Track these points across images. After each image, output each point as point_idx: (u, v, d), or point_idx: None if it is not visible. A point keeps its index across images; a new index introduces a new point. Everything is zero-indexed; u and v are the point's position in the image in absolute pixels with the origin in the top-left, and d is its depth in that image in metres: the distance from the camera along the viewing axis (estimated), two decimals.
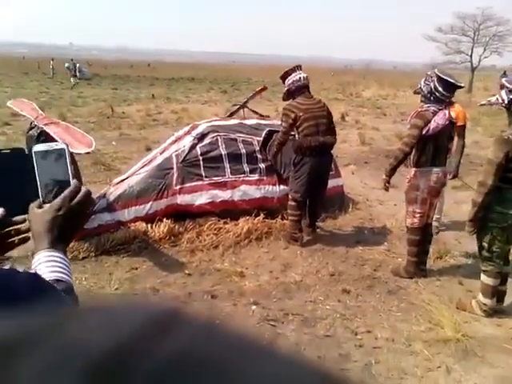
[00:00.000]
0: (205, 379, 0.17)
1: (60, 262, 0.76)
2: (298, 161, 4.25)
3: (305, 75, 4.34)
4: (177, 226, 4.41)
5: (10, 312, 0.22)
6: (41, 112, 4.81)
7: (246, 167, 4.87)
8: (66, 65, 28.66)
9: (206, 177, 4.70)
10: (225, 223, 4.52)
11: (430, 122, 3.50)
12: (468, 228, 3.20)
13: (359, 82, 35.38)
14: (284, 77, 4.40)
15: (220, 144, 4.90)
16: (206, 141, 4.89)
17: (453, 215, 5.08)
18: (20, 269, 0.64)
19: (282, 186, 4.85)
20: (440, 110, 3.53)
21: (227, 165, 4.81)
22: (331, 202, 5.00)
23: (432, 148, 3.57)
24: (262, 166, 4.93)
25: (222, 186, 4.71)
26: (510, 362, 2.76)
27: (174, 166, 4.67)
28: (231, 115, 6.46)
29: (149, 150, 7.34)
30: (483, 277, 3.23)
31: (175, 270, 3.86)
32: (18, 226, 0.85)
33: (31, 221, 0.80)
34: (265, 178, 4.89)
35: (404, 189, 3.82)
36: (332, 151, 4.44)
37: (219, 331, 0.21)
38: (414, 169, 3.67)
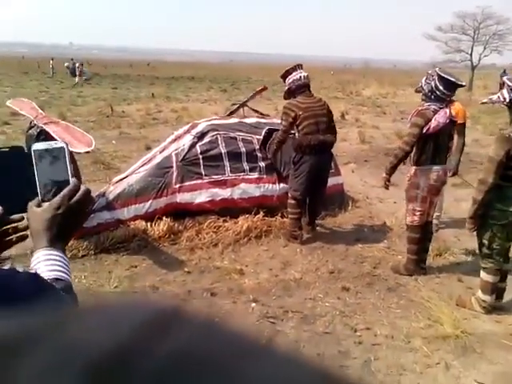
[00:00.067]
0: (205, 378, 0.17)
1: (59, 261, 0.76)
2: (298, 159, 4.25)
3: (305, 74, 4.33)
4: (176, 225, 4.42)
5: (9, 312, 0.22)
6: (40, 111, 4.81)
7: (245, 166, 4.87)
8: (77, 64, 28.64)
9: (205, 175, 4.70)
10: (224, 221, 4.52)
11: (430, 120, 3.50)
12: (468, 225, 3.20)
13: (359, 81, 35.36)
14: (285, 76, 4.40)
15: (220, 143, 4.90)
16: (206, 139, 4.90)
17: (452, 213, 5.09)
18: (20, 269, 0.64)
19: (281, 185, 4.85)
20: (441, 108, 3.53)
21: (227, 163, 4.81)
22: (331, 200, 5.01)
23: (432, 146, 3.57)
24: (262, 164, 4.93)
25: (221, 184, 4.72)
26: (509, 358, 2.77)
27: (174, 165, 4.68)
28: (231, 114, 6.46)
29: (148, 148, 7.35)
30: (483, 274, 3.24)
31: (175, 268, 3.87)
32: (16, 224, 0.85)
33: (30, 219, 0.80)
34: (264, 176, 4.89)
35: (404, 187, 3.83)
36: (332, 150, 4.44)
37: (219, 330, 0.21)
38: (414, 167, 3.67)
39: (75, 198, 0.79)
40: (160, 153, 4.90)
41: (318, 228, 4.68)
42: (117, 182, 4.64)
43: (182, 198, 4.59)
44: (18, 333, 0.20)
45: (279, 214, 4.69)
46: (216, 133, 4.95)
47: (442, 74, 3.51)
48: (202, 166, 4.73)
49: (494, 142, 3.09)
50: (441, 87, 3.51)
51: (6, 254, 0.87)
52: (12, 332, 0.20)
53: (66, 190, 0.79)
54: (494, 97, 3.34)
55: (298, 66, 4.40)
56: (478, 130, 11.02)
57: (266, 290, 3.53)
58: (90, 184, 5.60)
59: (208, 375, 0.17)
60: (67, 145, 0.83)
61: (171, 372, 0.17)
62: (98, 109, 13.94)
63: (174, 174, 4.63)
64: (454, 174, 4.46)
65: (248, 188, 4.78)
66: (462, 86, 3.65)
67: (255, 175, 4.86)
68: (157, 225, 4.36)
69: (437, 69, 3.69)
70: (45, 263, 0.75)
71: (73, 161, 4.54)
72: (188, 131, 5.06)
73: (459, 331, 2.93)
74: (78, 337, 0.19)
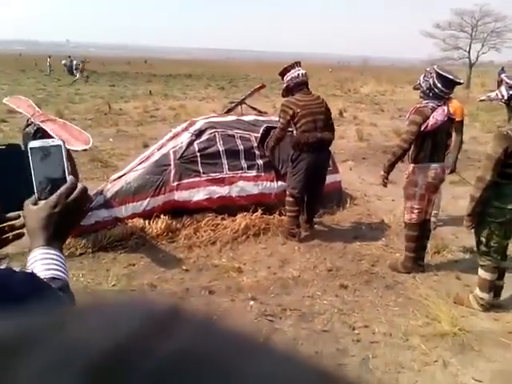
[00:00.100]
0: (204, 377, 0.17)
1: (56, 260, 0.76)
2: (296, 157, 4.24)
3: (303, 72, 4.32)
4: (174, 223, 4.41)
5: (8, 312, 0.22)
6: (37, 109, 4.79)
7: (243, 163, 4.86)
8: (74, 62, 28.55)
9: (203, 173, 4.69)
10: (222, 219, 4.51)
11: (428, 118, 3.50)
12: (466, 223, 3.20)
13: (357, 78, 35.36)
14: (283, 73, 4.39)
15: (218, 140, 4.89)
16: (204, 137, 4.88)
17: (450, 210, 5.09)
18: (16, 268, 0.64)
19: (279, 182, 4.84)
20: (439, 106, 3.52)
21: (225, 161, 4.81)
22: (329, 197, 5.00)
23: (430, 144, 3.57)
24: (260, 162, 4.92)
25: (219, 182, 4.71)
26: (507, 356, 2.77)
27: (172, 163, 4.67)
28: (228, 111, 6.45)
29: (146, 146, 7.32)
30: (481, 271, 3.24)
31: (173, 266, 3.86)
32: (12, 222, 0.85)
33: (26, 218, 0.79)
34: (262, 174, 4.89)
35: (402, 184, 3.83)
36: (330, 147, 4.43)
37: (217, 329, 0.21)
38: (412, 165, 3.67)
39: (72, 196, 0.79)
40: (158, 150, 4.89)
41: (316, 226, 4.68)
42: (114, 179, 4.63)
43: (179, 195, 4.58)
44: (18, 333, 0.20)
45: (277, 212, 4.69)
46: (214, 130, 4.94)
47: (441, 72, 3.50)
48: (199, 164, 4.71)
49: (492, 140, 3.09)
50: (439, 85, 3.50)
51: (3, 252, 0.87)
52: (12, 332, 0.20)
53: (62, 188, 0.78)
54: (493, 94, 3.33)
55: (296, 64, 4.39)
56: (475, 128, 11.03)
57: (264, 287, 3.53)
58: (87, 182, 5.59)
59: (207, 374, 0.17)
60: (64, 142, 0.82)
61: (170, 371, 0.17)
62: (95, 106, 13.91)
63: (172, 172, 4.61)
64: (452, 171, 4.46)
65: (246, 186, 4.78)
66: (460, 83, 3.64)
67: (253, 173, 4.85)
68: (155, 223, 4.35)
69: (435, 66, 3.68)
70: (41, 262, 0.75)
71: (70, 159, 4.52)
72: (186, 129, 5.05)
73: (457, 329, 2.94)
74: (78, 337, 0.19)
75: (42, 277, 0.72)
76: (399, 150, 3.63)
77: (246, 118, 5.42)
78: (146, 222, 4.35)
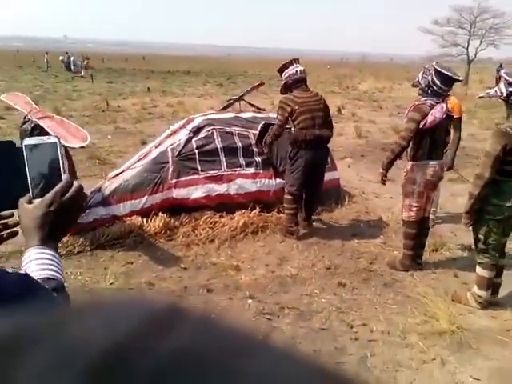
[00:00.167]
0: (204, 375, 0.17)
1: (51, 260, 0.75)
2: (294, 154, 4.23)
3: (302, 68, 4.31)
4: (172, 220, 4.40)
5: (6, 312, 0.21)
6: (35, 106, 4.76)
7: (241, 161, 4.85)
8: (72, 58, 28.47)
9: (201, 170, 4.68)
10: (220, 217, 4.51)
11: (427, 115, 3.48)
12: (464, 220, 3.20)
13: (355, 75, 35.30)
14: (281, 70, 4.37)
15: (216, 137, 4.87)
16: (202, 134, 4.87)
17: (449, 208, 5.09)
18: (9, 269, 0.63)
19: (277, 180, 4.83)
20: (437, 103, 3.51)
21: (223, 158, 4.79)
22: (327, 195, 5.00)
23: (429, 141, 3.56)
24: (258, 159, 4.91)
25: (217, 179, 4.70)
26: (505, 353, 2.78)
27: (170, 160, 4.65)
28: (226, 108, 6.44)
29: (144, 143, 7.32)
30: (478, 269, 3.24)
31: (171, 264, 3.85)
32: (6, 221, 0.84)
33: (21, 216, 0.78)
34: (261, 171, 4.88)
35: (400, 182, 3.82)
36: (328, 144, 4.42)
37: (217, 327, 0.21)
38: (410, 162, 3.66)
39: (68, 195, 0.78)
40: (156, 148, 4.87)
41: (314, 223, 4.67)
42: (112, 177, 4.62)
43: (178, 193, 4.57)
44: (18, 332, 0.20)
45: (275, 210, 4.68)
46: (212, 127, 4.93)
47: (439, 69, 3.49)
48: (197, 161, 4.70)
49: (490, 137, 3.08)
50: (438, 82, 3.49)
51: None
52: (11, 332, 0.20)
53: (58, 187, 0.77)
54: (491, 91, 3.32)
55: (295, 61, 4.38)
56: (474, 125, 11.03)
57: (263, 286, 3.53)
58: (85, 179, 5.58)
59: (207, 372, 0.17)
60: (59, 140, 0.81)
61: (170, 369, 0.17)
62: (93, 103, 13.86)
63: (170, 170, 4.60)
64: (450, 168, 4.46)
65: (244, 183, 4.77)
66: (459, 80, 3.63)
67: (251, 170, 4.84)
68: (153, 221, 4.34)
69: (434, 63, 3.66)
70: (36, 262, 0.74)
71: (68, 156, 4.51)
72: (184, 126, 5.03)
73: (455, 327, 2.94)
74: (77, 336, 0.19)
75: (36, 277, 0.71)
76: (398, 147, 3.62)
77: (244, 115, 5.40)
78: (144, 219, 4.34)
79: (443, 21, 32.76)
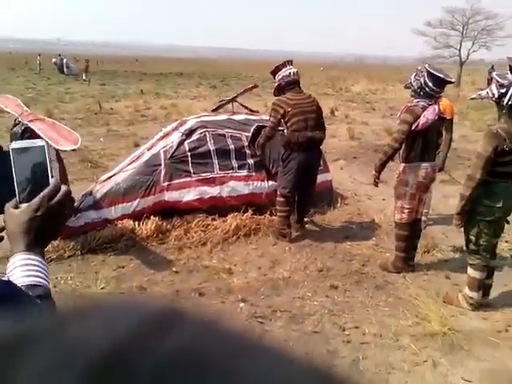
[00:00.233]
0: (205, 376, 0.17)
1: (37, 266, 0.74)
2: (287, 156, 4.23)
3: (295, 70, 4.32)
4: (164, 224, 4.38)
5: (7, 313, 0.21)
6: (26, 108, 4.73)
7: (234, 163, 4.84)
8: (65, 60, 28.32)
9: (194, 173, 4.66)
10: (213, 220, 4.49)
11: (419, 117, 3.50)
12: (455, 221, 3.21)
13: (349, 77, 35.42)
14: (274, 72, 4.38)
15: (208, 140, 4.86)
16: (194, 137, 4.85)
17: (441, 209, 5.11)
18: None
19: (270, 182, 4.83)
20: (430, 105, 3.52)
21: (215, 161, 4.78)
22: (320, 197, 5.00)
23: (421, 143, 3.57)
24: (251, 161, 4.90)
25: (210, 182, 4.68)
26: (496, 355, 2.79)
27: (162, 163, 4.63)
28: (217, 109, 6.42)
29: (137, 146, 7.27)
30: (470, 270, 3.25)
31: (163, 267, 3.83)
32: None
33: (7, 221, 0.77)
34: (253, 173, 4.87)
35: (393, 184, 3.83)
36: (321, 146, 4.43)
37: (218, 328, 0.21)
38: (402, 164, 3.67)
39: (55, 199, 0.76)
40: (148, 150, 4.85)
41: (306, 226, 4.67)
42: (104, 180, 4.59)
43: (170, 196, 4.55)
44: (18, 333, 0.20)
45: (268, 212, 4.68)
46: (204, 130, 4.91)
47: (432, 71, 3.50)
48: (190, 164, 4.68)
49: (482, 138, 3.10)
50: (430, 84, 3.50)
51: None
52: (11, 332, 0.20)
53: (45, 191, 0.76)
54: (483, 92, 3.34)
55: (288, 63, 4.39)
56: (465, 126, 11.09)
57: (255, 289, 3.51)
58: (76, 183, 5.54)
59: (207, 372, 0.18)
60: (48, 143, 0.80)
61: (170, 369, 0.17)
62: (85, 106, 13.80)
63: (162, 172, 4.58)
64: (441, 169, 4.47)
65: (237, 186, 4.75)
66: (451, 82, 3.64)
67: (244, 173, 4.83)
68: (144, 224, 4.32)
69: (426, 65, 3.68)
70: (21, 268, 0.73)
71: (59, 159, 4.47)
72: (176, 128, 5.01)
73: (446, 328, 2.94)
74: (77, 336, 0.19)
75: (21, 284, 0.70)
76: (390, 149, 3.63)
77: (236, 118, 5.39)
78: (136, 223, 4.32)
79: (436, 22, 32.97)
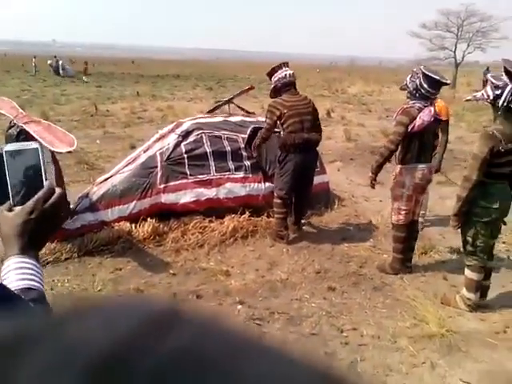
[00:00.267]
0: (205, 376, 0.17)
1: (31, 269, 0.73)
2: (283, 158, 4.23)
3: (291, 72, 4.32)
4: (161, 226, 4.36)
5: (7, 313, 0.21)
6: (21, 111, 4.70)
7: (231, 165, 4.83)
8: (61, 62, 28.24)
9: (190, 175, 4.65)
10: (210, 222, 4.48)
11: (415, 118, 3.50)
12: (452, 222, 3.22)
13: (345, 79, 35.52)
14: (270, 74, 4.38)
15: (205, 141, 4.85)
16: (191, 138, 4.85)
17: (438, 210, 5.12)
18: None
19: (267, 184, 4.82)
20: (425, 106, 3.53)
21: (212, 162, 4.77)
22: (317, 198, 5.00)
23: (417, 145, 3.58)
24: (247, 163, 4.90)
25: (206, 184, 4.67)
26: (494, 356, 2.79)
27: (159, 165, 4.62)
28: (213, 110, 6.42)
29: (133, 148, 7.25)
30: (467, 271, 3.25)
31: (160, 270, 3.82)
32: None
33: (0, 224, 0.76)
34: (250, 175, 4.86)
35: (389, 185, 3.83)
36: (317, 148, 4.43)
37: (218, 328, 0.21)
38: (399, 165, 3.67)
39: (49, 202, 0.76)
40: (144, 152, 4.84)
41: (304, 227, 4.67)
42: (100, 182, 4.57)
43: (166, 198, 4.53)
44: (18, 333, 0.20)
45: (265, 214, 4.67)
46: (201, 132, 4.91)
47: (427, 72, 3.51)
48: (186, 166, 4.68)
49: (478, 139, 3.11)
50: (425, 85, 3.51)
51: None
52: (11, 332, 0.20)
53: (39, 194, 0.75)
54: (478, 94, 3.35)
55: (284, 64, 4.38)
56: (461, 128, 11.13)
57: (252, 291, 3.51)
58: (73, 185, 5.52)
59: (207, 372, 0.18)
60: (42, 146, 0.79)
61: (170, 369, 0.17)
62: (81, 108, 13.76)
63: (159, 174, 4.57)
64: (437, 171, 4.48)
65: (233, 187, 4.75)
66: (446, 84, 3.65)
67: (241, 174, 4.83)
68: (141, 226, 4.30)
69: (422, 67, 3.69)
70: (15, 272, 0.72)
71: (55, 161, 4.45)
72: (173, 130, 5.00)
73: (444, 330, 2.94)
74: (78, 336, 0.19)
75: (15, 287, 0.70)
76: (386, 150, 3.64)
77: (233, 119, 5.39)
78: (133, 225, 4.30)
79: (431, 24, 33.16)
